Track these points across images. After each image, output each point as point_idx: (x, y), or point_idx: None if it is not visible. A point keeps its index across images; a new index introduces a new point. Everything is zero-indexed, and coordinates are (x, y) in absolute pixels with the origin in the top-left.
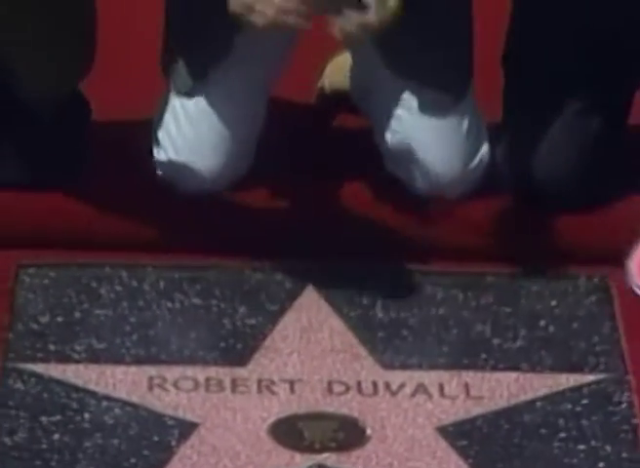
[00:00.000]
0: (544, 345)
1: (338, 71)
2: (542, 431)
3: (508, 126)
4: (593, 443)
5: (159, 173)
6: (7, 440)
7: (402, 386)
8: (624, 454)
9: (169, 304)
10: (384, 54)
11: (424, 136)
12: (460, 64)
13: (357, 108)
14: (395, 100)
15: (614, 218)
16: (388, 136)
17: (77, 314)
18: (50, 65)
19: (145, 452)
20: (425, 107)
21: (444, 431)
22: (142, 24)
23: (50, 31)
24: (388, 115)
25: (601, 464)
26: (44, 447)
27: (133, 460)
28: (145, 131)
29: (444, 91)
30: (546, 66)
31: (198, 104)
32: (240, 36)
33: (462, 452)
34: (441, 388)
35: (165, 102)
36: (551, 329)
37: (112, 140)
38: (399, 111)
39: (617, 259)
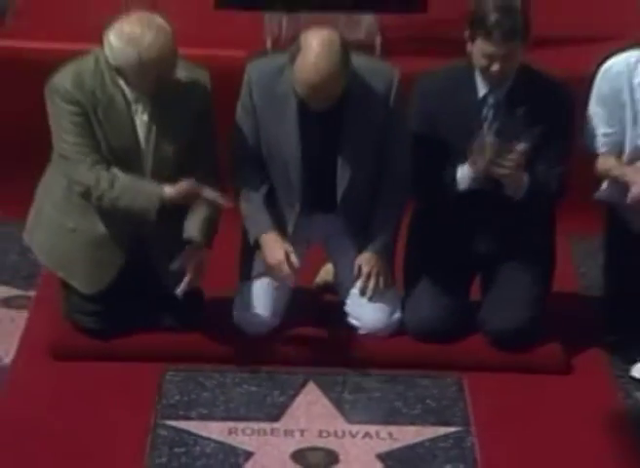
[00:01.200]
0: (429, 412)
1: (326, 273)
2: (429, 457)
3: (407, 301)
4: (455, 463)
5: (236, 322)
6: (157, 460)
7: (357, 433)
8: None
9: (240, 390)
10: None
11: (367, 307)
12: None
13: (335, 291)
14: (352, 288)
15: (464, 347)
16: (348, 305)
17: (193, 395)
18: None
19: (227, 466)
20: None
21: (380, 456)
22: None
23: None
24: (349, 296)
25: None
26: (174, 465)
27: None
28: (230, 301)
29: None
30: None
31: (255, 287)
32: None
33: (387, 465)
34: (377, 434)
35: (240, 286)
36: (433, 404)
37: (214, 307)
38: (354, 295)
39: (465, 368)
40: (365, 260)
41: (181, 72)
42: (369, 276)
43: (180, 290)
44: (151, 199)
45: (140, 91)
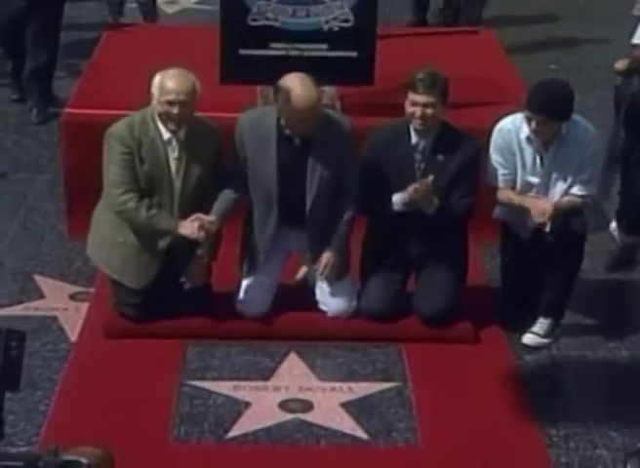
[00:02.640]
0: (378, 372)
1: (302, 273)
2: (378, 404)
3: (362, 291)
4: (396, 408)
5: (237, 308)
6: (182, 409)
7: (326, 388)
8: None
9: (241, 358)
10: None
11: (332, 297)
12: (345, 265)
13: (309, 286)
14: (320, 283)
15: (402, 324)
16: (318, 295)
17: (207, 362)
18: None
19: (232, 413)
20: (331, 284)
21: (343, 404)
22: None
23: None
24: (319, 289)
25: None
26: (194, 412)
27: (227, 417)
28: (233, 293)
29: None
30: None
31: (250, 282)
32: (266, 261)
33: (348, 411)
34: (341, 388)
35: (240, 281)
36: (381, 366)
37: (222, 297)
38: (322, 289)
39: (403, 339)
40: (324, 256)
41: (200, 123)
42: (325, 266)
43: (187, 286)
44: (169, 229)
45: (174, 121)
